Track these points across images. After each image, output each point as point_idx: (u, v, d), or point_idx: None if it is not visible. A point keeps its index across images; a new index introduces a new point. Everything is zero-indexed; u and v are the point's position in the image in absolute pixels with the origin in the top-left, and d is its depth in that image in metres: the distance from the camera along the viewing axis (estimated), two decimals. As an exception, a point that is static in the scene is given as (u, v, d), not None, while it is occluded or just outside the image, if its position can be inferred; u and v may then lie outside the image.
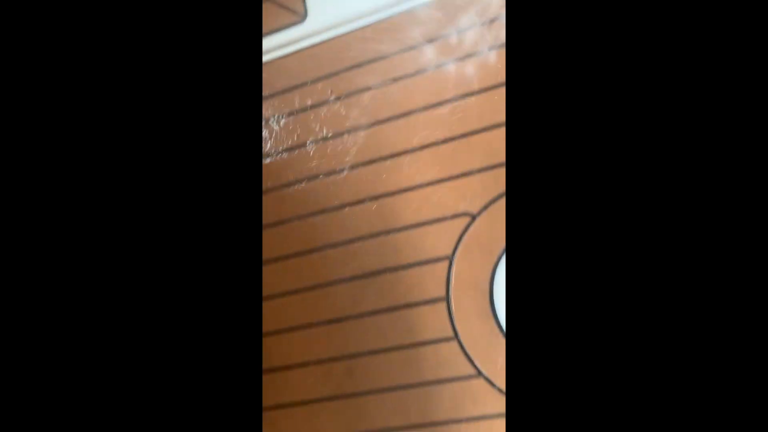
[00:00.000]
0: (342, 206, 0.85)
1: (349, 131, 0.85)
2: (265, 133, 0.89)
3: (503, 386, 0.74)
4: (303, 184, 0.87)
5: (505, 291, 0.75)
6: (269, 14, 0.89)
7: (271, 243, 0.88)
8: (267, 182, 0.88)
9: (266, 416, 0.87)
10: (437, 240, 0.80)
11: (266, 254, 0.88)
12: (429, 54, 0.82)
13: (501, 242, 0.76)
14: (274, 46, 0.90)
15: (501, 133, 0.77)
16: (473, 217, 0.78)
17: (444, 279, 0.79)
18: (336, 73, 0.86)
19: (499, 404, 0.73)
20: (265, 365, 0.88)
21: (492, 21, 0.77)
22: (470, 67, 0.79)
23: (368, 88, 0.84)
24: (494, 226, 0.76)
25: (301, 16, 0.88)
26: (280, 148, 0.88)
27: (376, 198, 0.83)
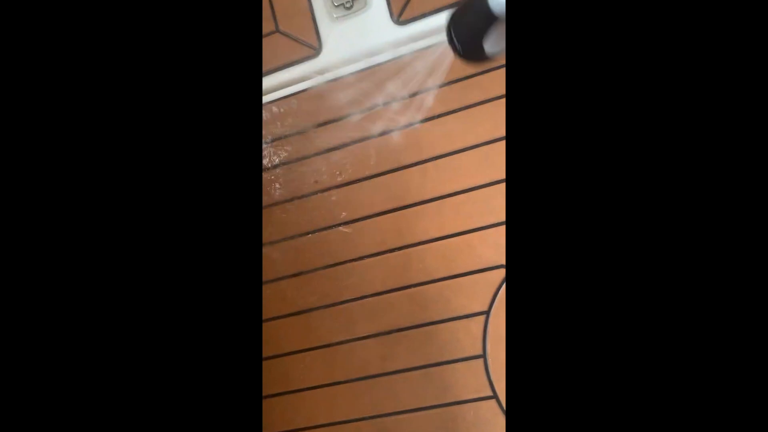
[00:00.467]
0: (364, 257, 0.80)
1: (369, 177, 0.79)
2: (277, 180, 0.83)
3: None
4: (322, 233, 0.81)
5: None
6: (283, 47, 0.83)
7: (292, 295, 0.82)
8: (284, 231, 0.83)
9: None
10: (472, 294, 0.75)
11: (287, 308, 0.83)
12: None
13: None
14: (288, 80, 0.83)
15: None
16: (510, 270, 0.73)
17: (480, 335, 0.75)
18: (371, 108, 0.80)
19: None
20: (287, 426, 0.83)
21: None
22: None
23: (390, 131, 0.79)
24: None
25: (316, 50, 0.82)
26: (298, 193, 0.83)
27: (401, 248, 0.78)
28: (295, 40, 0.83)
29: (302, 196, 0.82)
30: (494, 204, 0.75)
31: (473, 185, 0.75)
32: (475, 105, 0.75)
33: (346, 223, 0.80)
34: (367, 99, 0.76)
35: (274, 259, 0.82)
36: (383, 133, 0.79)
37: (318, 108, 0.82)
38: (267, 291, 0.83)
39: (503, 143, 0.74)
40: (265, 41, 0.84)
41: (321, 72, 0.82)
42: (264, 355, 0.84)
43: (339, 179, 0.81)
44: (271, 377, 0.83)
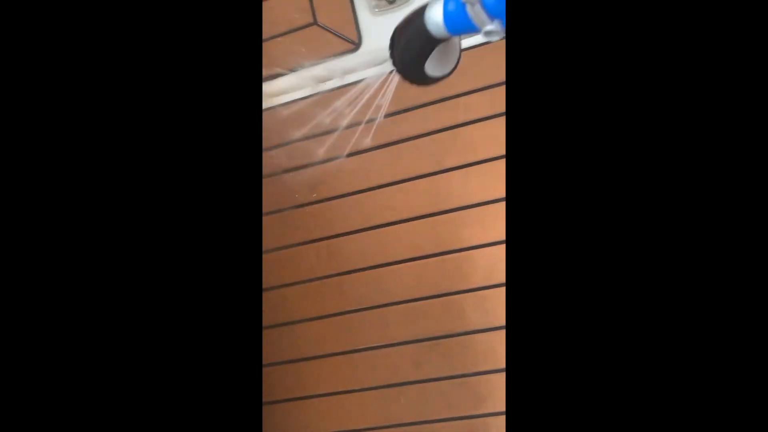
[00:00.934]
0: (400, 261, 0.77)
1: (408, 180, 0.77)
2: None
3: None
4: (358, 234, 0.79)
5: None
6: (321, 40, 0.80)
7: (324, 297, 0.81)
8: (320, 230, 0.80)
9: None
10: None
11: (322, 309, 0.81)
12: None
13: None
14: (327, 73, 0.81)
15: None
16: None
17: (518, 347, 0.73)
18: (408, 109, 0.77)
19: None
20: (316, 429, 0.82)
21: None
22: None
23: (431, 132, 0.76)
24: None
25: (355, 45, 0.79)
26: (333, 193, 0.80)
27: (439, 255, 0.76)
28: (334, 33, 0.80)
29: (338, 197, 0.80)
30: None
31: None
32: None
33: (382, 225, 0.78)
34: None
35: (309, 259, 0.80)
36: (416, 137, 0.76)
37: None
38: (299, 291, 0.81)
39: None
40: (302, 34, 0.81)
41: (360, 68, 0.79)
42: (293, 357, 0.82)
43: (375, 181, 0.78)
44: (301, 380, 0.82)
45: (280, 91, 0.83)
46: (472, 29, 0.47)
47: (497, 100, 0.74)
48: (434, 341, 0.76)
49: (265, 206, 0.83)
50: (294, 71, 0.82)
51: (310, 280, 0.81)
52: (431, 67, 0.53)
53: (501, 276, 0.73)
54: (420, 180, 0.76)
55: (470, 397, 0.75)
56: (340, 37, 0.80)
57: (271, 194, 0.82)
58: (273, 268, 0.81)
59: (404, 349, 0.77)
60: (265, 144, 0.84)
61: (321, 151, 0.79)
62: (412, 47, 0.52)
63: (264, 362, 0.84)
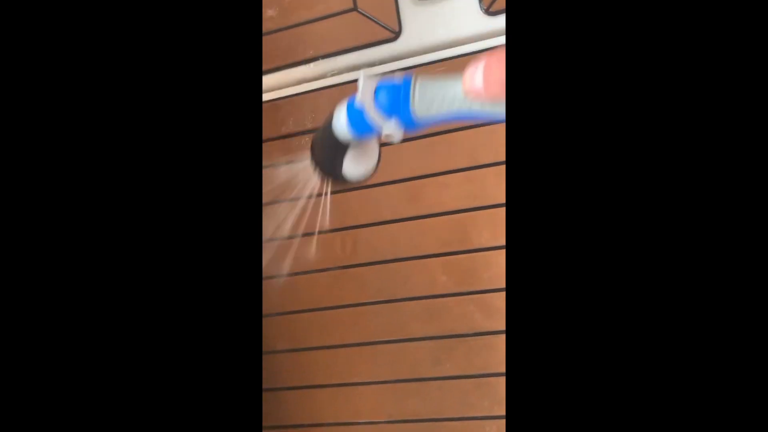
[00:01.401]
0: (427, 256, 0.76)
1: (441, 173, 0.76)
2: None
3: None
4: (385, 226, 0.78)
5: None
6: (360, 27, 0.79)
7: (349, 288, 0.80)
8: (344, 220, 0.79)
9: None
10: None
11: (340, 300, 0.80)
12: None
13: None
14: (364, 61, 0.80)
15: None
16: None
17: (541, 351, 0.72)
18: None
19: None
20: (331, 419, 0.81)
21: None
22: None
23: (467, 127, 0.75)
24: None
25: (396, 33, 0.78)
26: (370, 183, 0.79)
27: (468, 252, 0.75)
28: (374, 21, 0.79)
29: (367, 186, 0.79)
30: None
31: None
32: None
33: (410, 218, 0.77)
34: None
35: (333, 248, 0.79)
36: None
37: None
38: (321, 278, 0.80)
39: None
40: (340, 19, 0.80)
41: (399, 57, 0.78)
42: (310, 345, 0.81)
43: (407, 173, 0.77)
44: (317, 368, 0.81)
45: (314, 76, 0.82)
46: (373, 131, 0.48)
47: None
48: (456, 339, 0.75)
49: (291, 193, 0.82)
50: (330, 57, 0.81)
51: (333, 269, 0.80)
52: (350, 169, 0.54)
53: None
54: (453, 174, 0.75)
55: (489, 398, 0.74)
56: (380, 24, 0.78)
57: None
58: (296, 254, 0.81)
59: (424, 344, 0.77)
60: (296, 128, 0.83)
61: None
62: (326, 152, 0.54)
63: (278, 349, 0.83)
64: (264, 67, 0.84)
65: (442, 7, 0.76)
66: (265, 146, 0.84)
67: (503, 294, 0.73)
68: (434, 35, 0.77)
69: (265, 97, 0.85)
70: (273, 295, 0.82)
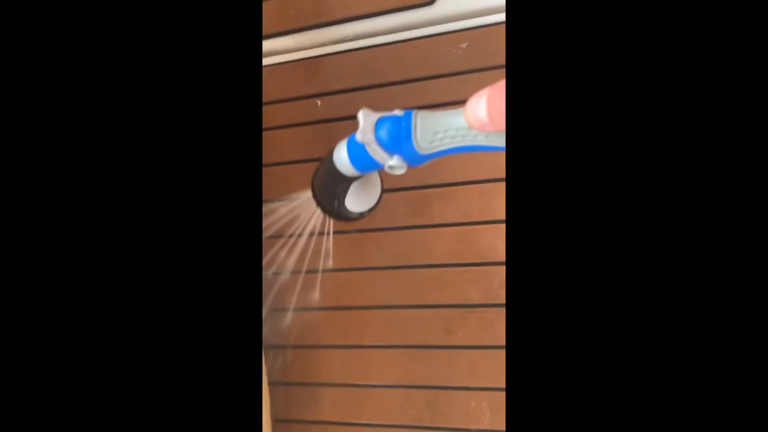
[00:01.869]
0: (446, 224, 0.76)
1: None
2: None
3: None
4: (406, 192, 0.78)
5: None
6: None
7: (366, 250, 0.80)
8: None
9: (339, 429, 0.82)
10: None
11: (357, 262, 0.80)
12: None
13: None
14: (398, 25, 0.79)
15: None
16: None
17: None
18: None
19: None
20: (339, 379, 0.82)
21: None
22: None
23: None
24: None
25: (431, -2, 0.77)
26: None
27: (486, 223, 0.75)
28: (410, -16, 0.78)
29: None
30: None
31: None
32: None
33: (430, 186, 0.77)
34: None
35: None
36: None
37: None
38: (339, 242, 0.81)
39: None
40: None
41: (433, 23, 0.77)
42: (322, 305, 0.82)
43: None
44: (329, 329, 0.82)
45: (349, 37, 0.82)
46: (377, 165, 0.48)
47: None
48: (469, 309, 0.75)
49: (314, 154, 0.83)
50: (364, 19, 0.81)
51: (351, 231, 0.80)
52: (353, 204, 0.54)
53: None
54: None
55: (498, 370, 0.74)
56: (416, -12, 0.78)
57: (320, 142, 0.82)
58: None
59: (437, 312, 0.77)
60: (324, 88, 0.83)
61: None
62: (328, 189, 0.53)
63: (287, 307, 0.84)
64: (297, 25, 0.84)
65: (480, -26, 0.75)
66: (297, 104, 0.84)
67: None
68: (469, 2, 0.76)
69: (297, 56, 0.85)
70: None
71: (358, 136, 0.46)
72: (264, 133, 0.86)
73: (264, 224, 0.73)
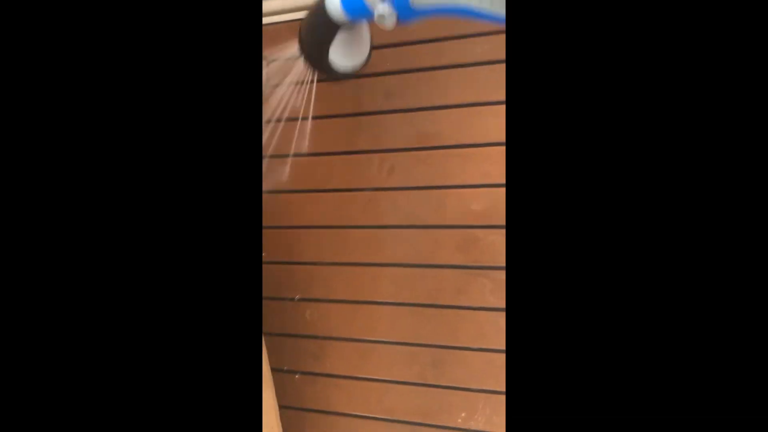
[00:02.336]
0: (465, 185, 0.76)
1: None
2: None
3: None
4: (424, 152, 0.78)
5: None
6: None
7: (381, 209, 0.80)
8: (386, 142, 0.79)
9: (344, 382, 0.84)
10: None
11: (373, 221, 0.81)
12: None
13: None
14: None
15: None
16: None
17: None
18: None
19: None
20: (347, 334, 0.83)
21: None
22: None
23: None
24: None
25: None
26: (412, 107, 0.79)
27: (503, 185, 0.74)
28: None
29: (409, 110, 0.78)
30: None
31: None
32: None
33: (452, 147, 0.76)
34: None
35: (370, 169, 0.80)
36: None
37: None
38: (352, 197, 0.81)
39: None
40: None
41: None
42: (333, 260, 0.83)
43: (452, 100, 0.76)
44: (339, 283, 0.83)
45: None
46: (366, 12, 0.46)
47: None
48: (482, 270, 0.75)
49: (337, 110, 0.82)
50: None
51: (368, 189, 0.81)
52: (337, 56, 0.52)
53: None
54: (494, 106, 0.74)
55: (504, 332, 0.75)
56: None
57: (345, 99, 0.82)
58: (336, 171, 0.81)
59: (449, 273, 0.77)
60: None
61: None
62: (315, 32, 0.51)
63: (293, 260, 0.85)
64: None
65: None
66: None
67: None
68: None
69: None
70: (298, 205, 0.83)
71: None
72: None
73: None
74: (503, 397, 0.75)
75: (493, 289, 0.75)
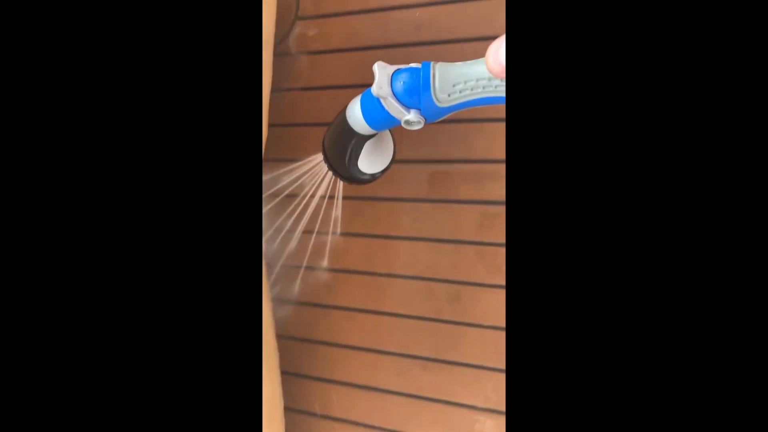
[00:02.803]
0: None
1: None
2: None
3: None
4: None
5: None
6: None
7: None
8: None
9: (357, 315, 0.83)
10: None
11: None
12: None
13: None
14: None
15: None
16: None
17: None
18: None
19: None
20: (366, 267, 0.82)
21: None
22: None
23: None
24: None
25: None
26: (443, 38, 0.76)
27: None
28: None
29: (440, 42, 0.76)
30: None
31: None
32: None
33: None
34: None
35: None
36: None
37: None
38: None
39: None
40: None
41: None
42: (355, 195, 0.82)
43: (483, 32, 0.74)
44: (356, 217, 0.82)
45: None
46: (393, 121, 0.46)
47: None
48: (502, 207, 0.74)
49: (369, 42, 0.80)
50: None
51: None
52: (367, 165, 0.52)
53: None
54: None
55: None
56: None
57: (376, 31, 0.79)
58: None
59: (470, 208, 0.76)
60: None
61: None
62: (341, 149, 0.51)
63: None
64: None
65: None
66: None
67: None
68: None
69: None
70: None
71: (374, 90, 0.44)
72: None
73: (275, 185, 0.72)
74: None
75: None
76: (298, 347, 0.87)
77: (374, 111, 0.46)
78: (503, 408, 0.75)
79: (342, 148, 0.51)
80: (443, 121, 0.76)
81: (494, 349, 0.76)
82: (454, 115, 0.75)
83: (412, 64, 0.44)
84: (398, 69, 0.44)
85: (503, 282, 0.75)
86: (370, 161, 0.53)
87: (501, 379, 0.75)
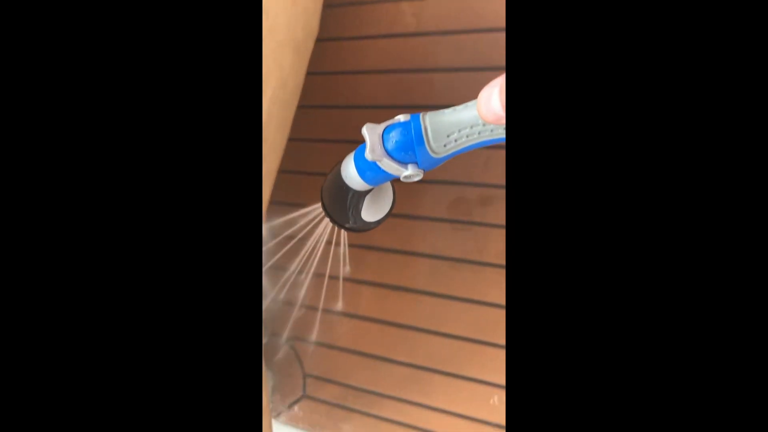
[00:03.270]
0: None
1: None
2: None
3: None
4: (462, 35, 0.73)
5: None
6: None
7: (416, 91, 0.77)
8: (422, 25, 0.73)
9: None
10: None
11: (407, 101, 0.77)
12: None
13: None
14: None
15: None
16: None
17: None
18: None
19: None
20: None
21: None
22: None
23: None
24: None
25: None
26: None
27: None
28: None
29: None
30: None
31: None
32: None
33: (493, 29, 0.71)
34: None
35: None
36: None
37: None
38: (387, 78, 0.77)
39: None
40: None
41: None
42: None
43: None
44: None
45: None
46: (391, 177, 0.45)
47: None
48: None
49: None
50: None
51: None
52: (369, 214, 0.52)
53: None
54: None
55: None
56: None
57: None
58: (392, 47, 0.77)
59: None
60: None
61: None
62: (340, 204, 0.51)
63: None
64: None
65: None
66: None
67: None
68: None
69: None
70: (350, 51, 0.79)
71: (368, 155, 0.43)
72: None
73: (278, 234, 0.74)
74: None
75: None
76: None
77: (370, 170, 0.46)
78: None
79: (341, 203, 0.52)
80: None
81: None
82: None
83: (400, 117, 0.44)
84: (387, 126, 0.44)
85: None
86: (371, 210, 0.53)
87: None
